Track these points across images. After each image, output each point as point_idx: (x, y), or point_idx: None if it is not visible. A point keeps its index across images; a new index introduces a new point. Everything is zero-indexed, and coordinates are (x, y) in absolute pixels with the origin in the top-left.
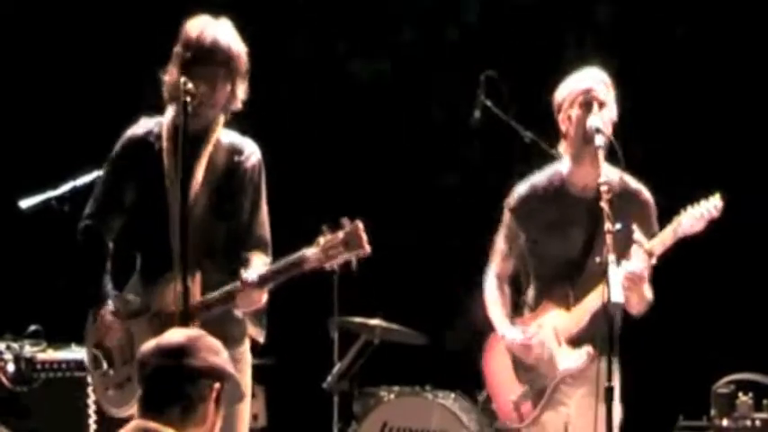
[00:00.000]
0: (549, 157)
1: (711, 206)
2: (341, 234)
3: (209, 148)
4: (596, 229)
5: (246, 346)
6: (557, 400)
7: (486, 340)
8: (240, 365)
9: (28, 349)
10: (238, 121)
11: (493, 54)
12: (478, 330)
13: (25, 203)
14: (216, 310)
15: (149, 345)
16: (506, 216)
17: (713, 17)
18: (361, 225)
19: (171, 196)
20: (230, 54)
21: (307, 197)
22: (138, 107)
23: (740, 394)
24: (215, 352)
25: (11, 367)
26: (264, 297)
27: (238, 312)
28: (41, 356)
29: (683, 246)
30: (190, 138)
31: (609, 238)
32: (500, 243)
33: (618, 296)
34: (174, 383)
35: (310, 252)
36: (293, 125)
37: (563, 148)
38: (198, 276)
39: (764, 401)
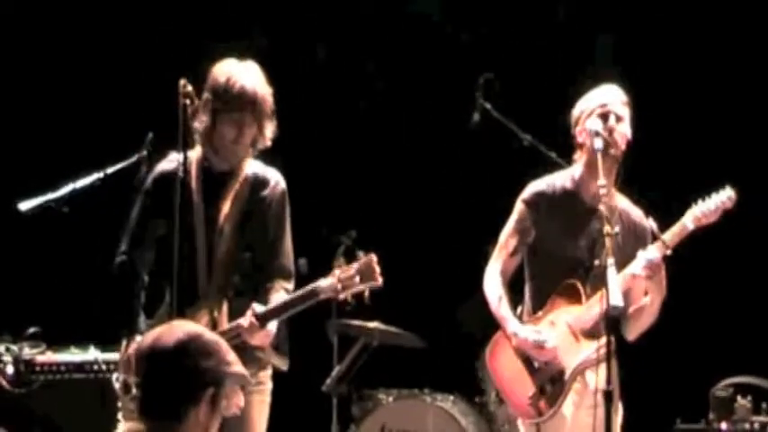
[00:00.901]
0: (548, 160)
1: (724, 197)
2: (355, 266)
3: (235, 186)
4: (603, 238)
5: (269, 370)
6: (572, 400)
7: (490, 338)
8: (261, 388)
9: (27, 351)
10: None
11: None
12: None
13: (24, 206)
14: (231, 341)
15: (147, 340)
16: (520, 209)
17: (712, 17)
18: (374, 258)
19: (198, 230)
20: (256, 99)
21: (305, 201)
22: (137, 110)
23: (738, 397)
24: (209, 354)
25: (10, 369)
26: (271, 332)
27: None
28: (40, 359)
29: (681, 248)
30: (218, 174)
31: (607, 241)
32: (509, 238)
33: (617, 299)
34: (166, 388)
35: (326, 283)
36: (288, 124)
37: (577, 156)
38: (225, 306)
39: (763, 404)
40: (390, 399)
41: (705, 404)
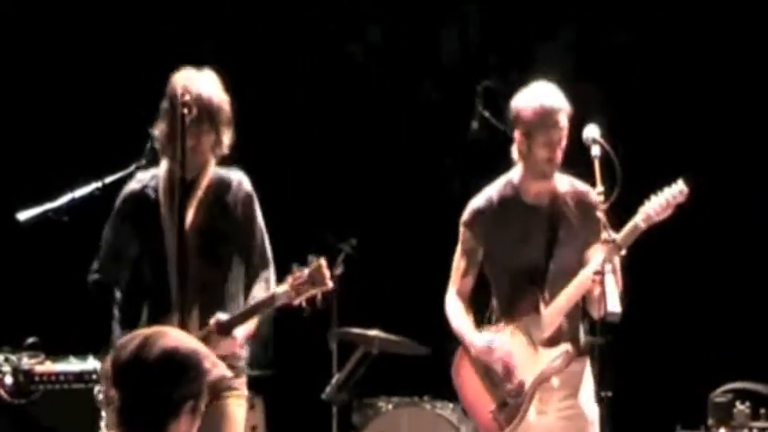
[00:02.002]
0: None
1: (676, 191)
2: (306, 271)
3: (198, 194)
4: (555, 234)
5: (244, 378)
6: (536, 408)
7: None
8: (237, 392)
9: (26, 361)
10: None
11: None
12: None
13: (23, 216)
14: None
15: (125, 352)
16: (463, 232)
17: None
18: (324, 262)
19: (168, 244)
20: (211, 108)
21: (308, 206)
22: (136, 119)
23: (737, 403)
24: (189, 369)
25: (9, 380)
26: (237, 339)
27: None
28: (40, 369)
29: (681, 253)
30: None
31: (605, 248)
32: (459, 261)
33: (615, 306)
34: (146, 405)
35: (281, 290)
36: (291, 129)
37: (516, 155)
38: (195, 315)
39: (762, 410)
40: (390, 406)
41: (704, 410)
